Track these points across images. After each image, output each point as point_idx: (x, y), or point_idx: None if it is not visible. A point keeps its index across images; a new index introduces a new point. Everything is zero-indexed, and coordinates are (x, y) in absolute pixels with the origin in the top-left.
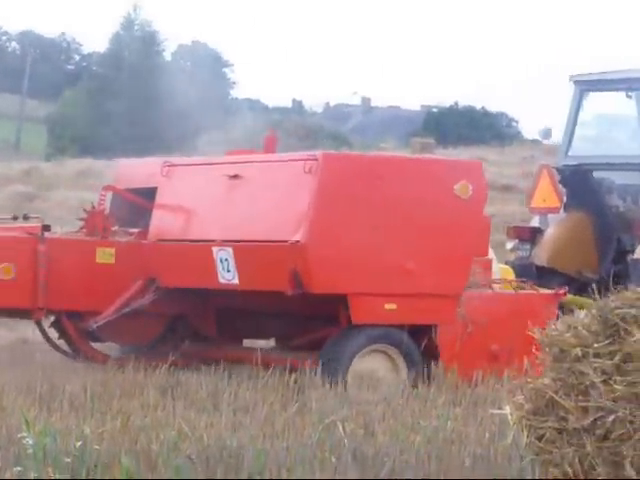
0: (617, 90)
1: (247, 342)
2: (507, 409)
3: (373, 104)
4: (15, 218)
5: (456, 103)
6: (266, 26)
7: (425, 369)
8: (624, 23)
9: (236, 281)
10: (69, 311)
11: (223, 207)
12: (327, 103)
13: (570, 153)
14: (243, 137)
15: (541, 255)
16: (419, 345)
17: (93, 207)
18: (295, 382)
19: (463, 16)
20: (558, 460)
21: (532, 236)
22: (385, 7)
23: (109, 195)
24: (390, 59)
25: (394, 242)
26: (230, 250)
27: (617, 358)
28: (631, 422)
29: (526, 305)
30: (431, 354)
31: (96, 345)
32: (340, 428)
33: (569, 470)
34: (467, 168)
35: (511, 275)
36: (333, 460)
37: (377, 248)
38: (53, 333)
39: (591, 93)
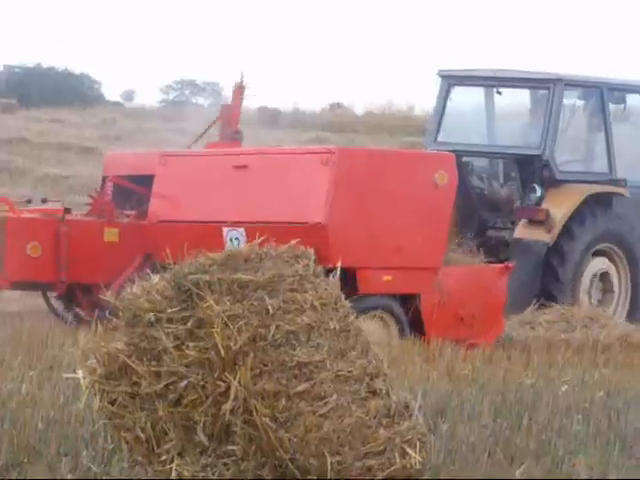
0: (482, 86)
1: None
2: (80, 373)
3: None
4: (29, 202)
5: (39, 64)
6: None
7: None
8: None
9: None
10: (82, 284)
11: (231, 194)
12: None
13: (438, 139)
14: None
15: None
16: (407, 311)
17: (97, 192)
18: None
19: None
20: (130, 425)
21: None
22: None
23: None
24: None
25: (391, 223)
26: (242, 230)
27: (190, 324)
28: (203, 387)
29: (483, 276)
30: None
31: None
32: None
33: (141, 435)
34: (443, 160)
35: None
36: None
37: (379, 229)
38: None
39: (457, 87)
